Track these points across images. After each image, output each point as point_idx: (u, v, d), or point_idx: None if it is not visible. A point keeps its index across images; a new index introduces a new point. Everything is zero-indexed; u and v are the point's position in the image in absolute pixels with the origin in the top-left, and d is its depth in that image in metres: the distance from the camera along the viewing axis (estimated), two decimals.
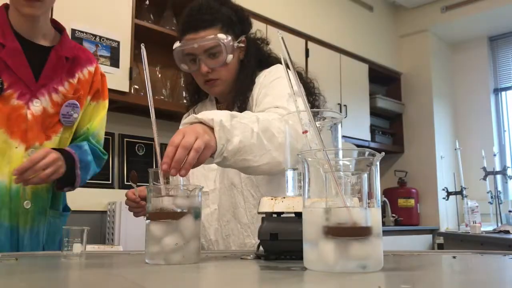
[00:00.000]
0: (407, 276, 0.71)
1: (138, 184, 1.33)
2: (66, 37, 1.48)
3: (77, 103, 1.43)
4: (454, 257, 1.00)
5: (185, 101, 3.02)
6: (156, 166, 0.94)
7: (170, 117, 3.05)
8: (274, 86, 1.32)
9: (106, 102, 1.55)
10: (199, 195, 0.88)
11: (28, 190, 1.34)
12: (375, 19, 4.71)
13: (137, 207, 1.33)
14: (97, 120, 1.52)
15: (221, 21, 1.37)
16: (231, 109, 1.35)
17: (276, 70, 1.39)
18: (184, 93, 3.04)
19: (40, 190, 1.37)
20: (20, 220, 1.32)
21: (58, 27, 1.48)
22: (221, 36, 1.34)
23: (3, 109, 1.31)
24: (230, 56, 1.36)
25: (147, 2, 2.96)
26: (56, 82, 1.40)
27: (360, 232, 0.69)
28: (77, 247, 0.89)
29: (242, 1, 3.52)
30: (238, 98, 1.39)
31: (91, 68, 1.50)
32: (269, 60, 1.47)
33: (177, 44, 1.39)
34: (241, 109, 1.35)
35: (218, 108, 1.47)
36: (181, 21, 1.41)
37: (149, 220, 0.86)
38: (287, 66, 0.87)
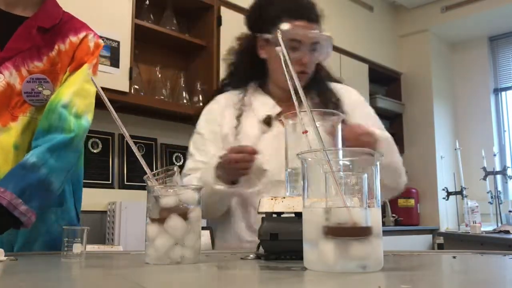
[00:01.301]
0: (407, 276, 0.71)
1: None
2: (49, 5, 1.30)
3: (44, 77, 1.23)
4: (454, 257, 1.00)
5: (185, 101, 3.02)
6: (156, 168, 0.94)
7: (170, 117, 3.06)
8: (374, 116, 1.50)
9: (86, 67, 1.28)
10: (199, 194, 0.89)
11: None
12: (375, 19, 4.71)
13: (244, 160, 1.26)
14: (66, 85, 1.24)
15: (320, 21, 1.43)
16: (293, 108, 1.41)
17: (357, 93, 1.54)
18: (184, 93, 3.04)
19: None
20: None
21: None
22: (329, 34, 1.40)
23: None
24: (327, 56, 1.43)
25: (147, 2, 2.96)
26: (29, 55, 1.23)
27: (360, 232, 0.69)
28: (77, 247, 0.89)
29: (242, 1, 3.52)
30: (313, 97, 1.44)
31: (74, 39, 1.28)
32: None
33: (287, 26, 1.36)
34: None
35: (280, 104, 1.45)
36: (290, 5, 1.41)
37: (148, 221, 0.86)
38: (286, 65, 0.87)
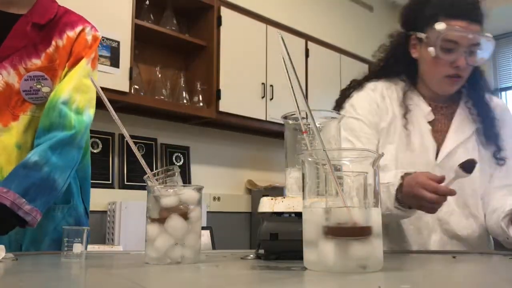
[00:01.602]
0: (407, 276, 0.71)
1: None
2: (43, 1, 1.29)
3: (43, 74, 1.22)
4: (454, 257, 1.00)
5: (185, 101, 3.02)
6: (156, 168, 0.94)
7: (170, 117, 3.06)
8: None
9: (84, 61, 1.27)
10: (200, 194, 0.88)
11: None
12: (375, 19, 4.71)
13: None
14: (65, 81, 1.24)
15: (482, 21, 1.32)
16: (444, 118, 1.38)
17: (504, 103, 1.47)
18: (184, 93, 3.04)
19: None
20: None
21: None
22: (490, 36, 1.30)
23: None
24: (487, 59, 1.35)
25: (147, 2, 2.96)
26: (25, 54, 1.22)
27: (360, 232, 0.69)
28: (77, 247, 0.89)
29: (242, 1, 3.52)
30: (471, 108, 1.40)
31: (71, 33, 1.27)
32: None
33: (442, 26, 1.28)
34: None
35: (435, 112, 1.39)
36: (449, 3, 1.32)
37: (148, 221, 0.86)
38: (286, 68, 0.87)
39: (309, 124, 0.89)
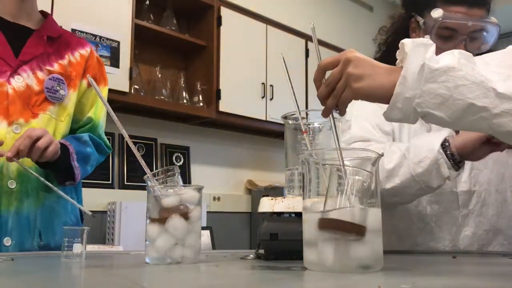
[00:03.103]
0: (407, 276, 0.71)
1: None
2: (51, 21, 1.46)
3: (62, 78, 1.38)
4: (454, 257, 1.00)
5: (185, 101, 3.02)
6: (156, 168, 0.94)
7: (170, 117, 3.06)
8: None
9: (106, 89, 1.51)
10: (200, 194, 0.88)
11: (12, 167, 1.25)
12: (375, 19, 4.71)
13: None
14: (99, 108, 1.47)
15: (489, 2, 1.23)
16: None
17: None
18: (184, 93, 3.04)
19: (26, 170, 1.24)
20: (2, 200, 1.23)
21: (43, 14, 1.47)
22: (495, 20, 1.20)
23: None
24: (491, 45, 1.23)
25: (147, 2, 2.96)
26: (41, 60, 1.36)
27: (360, 232, 0.69)
28: (77, 247, 0.90)
29: (242, 1, 3.51)
30: None
31: (83, 52, 1.46)
32: None
33: (439, 13, 1.19)
34: None
35: None
36: None
37: (148, 221, 0.86)
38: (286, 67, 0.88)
39: (309, 124, 0.90)
